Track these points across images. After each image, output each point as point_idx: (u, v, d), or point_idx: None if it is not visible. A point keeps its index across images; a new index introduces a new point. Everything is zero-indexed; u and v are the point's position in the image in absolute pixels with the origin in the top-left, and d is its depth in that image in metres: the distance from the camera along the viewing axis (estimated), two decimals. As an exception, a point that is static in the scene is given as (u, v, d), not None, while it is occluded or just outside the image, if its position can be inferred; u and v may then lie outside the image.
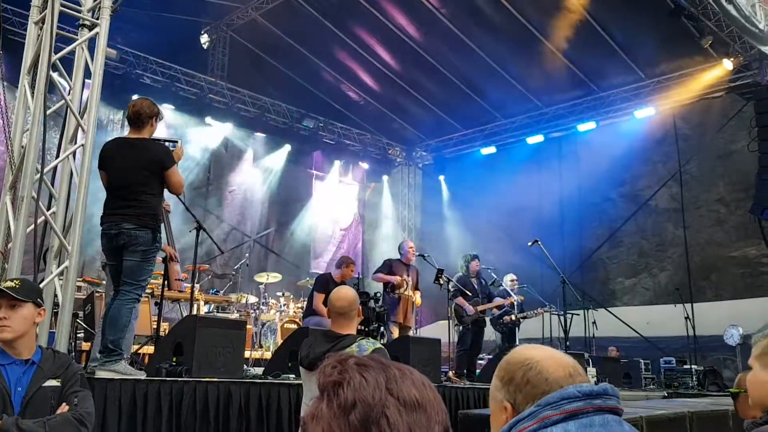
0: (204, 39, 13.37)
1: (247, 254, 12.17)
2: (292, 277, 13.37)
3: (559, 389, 1.32)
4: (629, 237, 13.76)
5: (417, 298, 8.51)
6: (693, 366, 10.20)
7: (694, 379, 9.89)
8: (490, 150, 15.53)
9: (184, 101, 12.99)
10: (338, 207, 16.37)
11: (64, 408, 2.83)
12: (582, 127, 13.97)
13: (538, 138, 14.65)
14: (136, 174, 4.46)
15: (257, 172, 14.72)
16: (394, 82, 14.24)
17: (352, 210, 16.78)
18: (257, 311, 10.25)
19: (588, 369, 8.02)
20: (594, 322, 10.57)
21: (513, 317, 9.23)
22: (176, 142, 4.86)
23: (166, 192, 4.81)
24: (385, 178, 17.29)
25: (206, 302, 9.86)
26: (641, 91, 13.07)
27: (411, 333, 8.58)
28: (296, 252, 15.09)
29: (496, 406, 1.44)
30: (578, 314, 10.15)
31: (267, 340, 10.00)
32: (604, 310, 12.20)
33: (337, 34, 12.98)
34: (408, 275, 8.37)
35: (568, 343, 9.21)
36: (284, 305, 10.70)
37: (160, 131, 12.33)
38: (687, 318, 10.50)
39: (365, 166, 16.78)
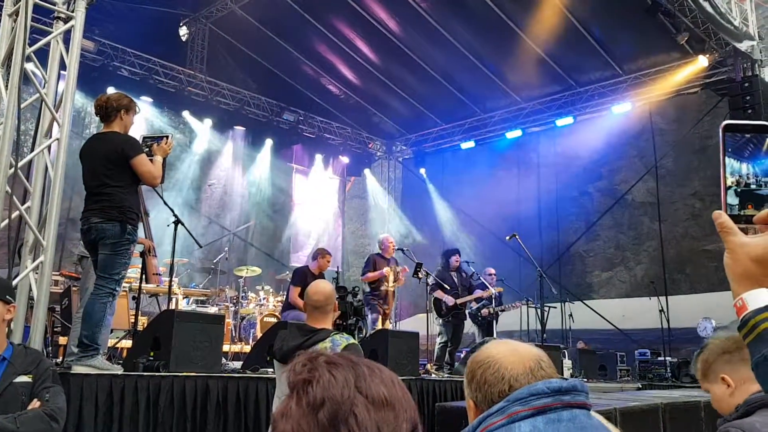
0: (183, 31, 13.23)
1: (226, 248, 12.13)
2: (272, 271, 13.36)
3: (517, 386, 1.35)
4: (606, 231, 13.92)
5: (401, 276, 8.66)
6: (667, 358, 10.36)
7: (668, 370, 10.05)
8: (470, 144, 15.58)
9: (162, 94, 12.87)
10: (318, 201, 16.35)
11: (35, 404, 2.83)
12: (560, 122, 14.05)
13: (516, 133, 14.72)
14: (101, 168, 4.43)
15: (237, 166, 14.64)
16: (374, 76, 14.22)
17: (332, 204, 16.77)
18: (237, 305, 10.23)
19: (564, 361, 8.13)
20: (570, 315, 10.69)
21: (491, 310, 9.31)
22: (166, 137, 4.82)
23: (149, 191, 4.77)
24: (365, 172, 17.29)
25: (185, 296, 9.82)
26: (618, 87, 13.19)
27: (389, 325, 8.70)
28: (276, 246, 15.06)
29: (467, 401, 1.47)
30: (555, 307, 10.26)
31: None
32: (580, 303, 12.35)
33: (317, 27, 12.92)
34: (390, 268, 8.49)
35: (545, 335, 9.33)
36: (264, 299, 10.68)
37: (140, 123, 12.25)
38: (661, 311, 10.66)
39: (345, 160, 16.76)
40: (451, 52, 13.00)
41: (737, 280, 1.06)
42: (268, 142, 14.92)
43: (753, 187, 1.08)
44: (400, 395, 1.03)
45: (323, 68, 14.30)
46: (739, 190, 1.09)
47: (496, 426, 1.30)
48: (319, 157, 16.25)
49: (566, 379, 1.38)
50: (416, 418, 1.04)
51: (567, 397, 1.32)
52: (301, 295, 7.82)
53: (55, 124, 4.61)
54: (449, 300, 8.59)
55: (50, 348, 5.92)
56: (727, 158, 1.09)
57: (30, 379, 2.91)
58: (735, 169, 1.09)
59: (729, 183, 1.09)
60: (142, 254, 5.97)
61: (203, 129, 13.85)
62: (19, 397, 2.84)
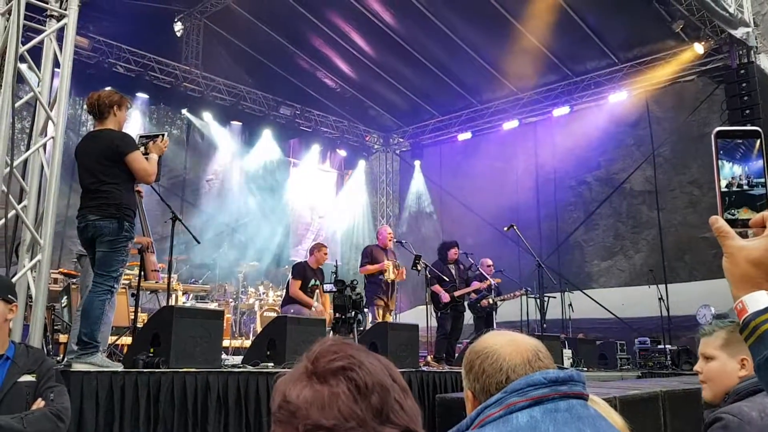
0: (177, 27, 13.19)
1: (225, 243, 12.12)
2: (271, 266, 13.37)
3: (515, 377, 1.35)
4: (605, 220, 13.91)
5: (402, 273, 8.63)
6: (667, 346, 10.38)
7: (668, 358, 10.07)
8: (467, 136, 15.56)
9: (158, 90, 12.84)
10: (316, 194, 16.34)
11: (39, 403, 2.82)
12: (557, 112, 14.04)
13: (513, 123, 14.70)
14: (96, 165, 4.45)
15: (234, 161, 14.62)
16: (370, 69, 14.19)
17: (330, 197, 16.76)
18: (236, 300, 10.24)
19: (564, 351, 8.15)
20: (570, 305, 10.70)
21: (490, 301, 9.32)
22: (162, 135, 4.83)
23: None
24: (362, 165, 17.28)
25: (184, 292, 9.84)
26: (614, 76, 13.16)
27: (390, 317, 8.71)
28: (275, 240, 15.05)
29: (465, 392, 1.48)
30: (555, 297, 10.27)
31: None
32: (580, 293, 12.36)
33: (312, 21, 12.88)
34: (388, 259, 8.48)
35: (545, 325, 9.34)
36: (263, 293, 10.70)
37: (136, 119, 12.18)
38: (661, 299, 10.66)
39: (343, 153, 16.74)
40: (447, 44, 12.97)
41: (736, 284, 1.07)
42: (266, 137, 14.90)
43: (746, 187, 1.10)
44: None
45: (319, 62, 14.26)
46: (734, 191, 1.11)
47: (493, 417, 1.29)
48: (316, 151, 16.23)
49: (564, 369, 1.39)
50: None
51: (564, 387, 1.32)
52: (302, 289, 7.87)
53: (50, 122, 4.60)
54: (445, 296, 8.59)
55: (50, 346, 5.92)
56: (720, 161, 1.11)
57: (33, 378, 2.91)
58: (728, 172, 1.11)
59: (723, 186, 1.11)
60: (141, 251, 5.97)
61: (200, 125, 13.83)
62: (23, 397, 2.83)
